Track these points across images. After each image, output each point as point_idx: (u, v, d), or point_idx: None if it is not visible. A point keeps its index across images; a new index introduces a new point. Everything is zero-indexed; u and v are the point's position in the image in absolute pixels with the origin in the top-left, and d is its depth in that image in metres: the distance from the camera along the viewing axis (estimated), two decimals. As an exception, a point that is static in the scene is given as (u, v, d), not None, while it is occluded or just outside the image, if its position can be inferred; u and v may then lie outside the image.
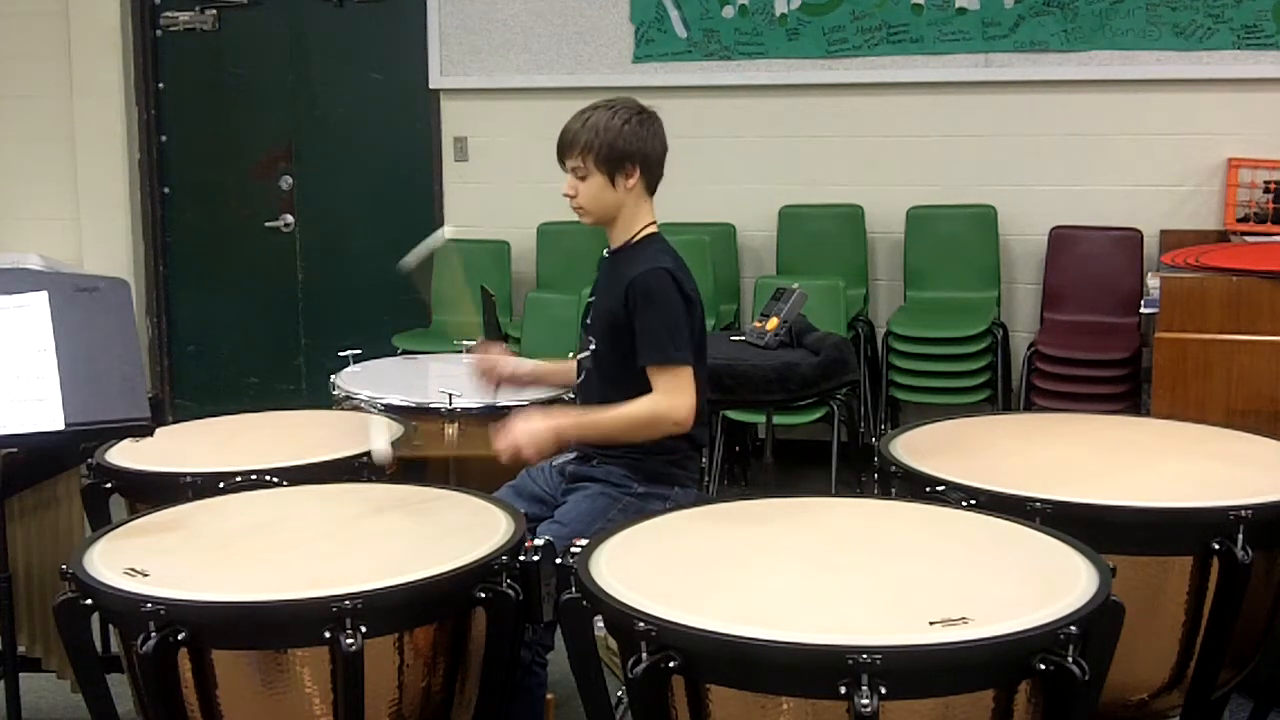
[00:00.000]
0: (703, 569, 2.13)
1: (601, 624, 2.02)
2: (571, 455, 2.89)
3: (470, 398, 3.30)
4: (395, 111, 6.11)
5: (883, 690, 1.74)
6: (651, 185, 2.84)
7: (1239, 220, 4.99)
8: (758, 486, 5.20)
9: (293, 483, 2.72)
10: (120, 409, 2.46)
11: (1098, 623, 1.89)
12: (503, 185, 5.91)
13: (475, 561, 2.19)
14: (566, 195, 2.81)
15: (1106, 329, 5.11)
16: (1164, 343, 3.58)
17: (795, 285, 3.84)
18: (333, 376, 3.65)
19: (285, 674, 2.06)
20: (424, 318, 5.89)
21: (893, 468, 2.60)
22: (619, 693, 2.43)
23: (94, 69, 6.25)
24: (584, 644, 2.07)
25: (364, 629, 2.02)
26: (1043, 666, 1.82)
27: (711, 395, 3.54)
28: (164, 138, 6.42)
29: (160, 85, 6.39)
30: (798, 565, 2.12)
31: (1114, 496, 2.36)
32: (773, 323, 3.72)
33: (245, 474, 2.72)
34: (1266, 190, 4.97)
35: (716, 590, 2.02)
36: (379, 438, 2.83)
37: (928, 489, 2.46)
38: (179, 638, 2.02)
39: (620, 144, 2.76)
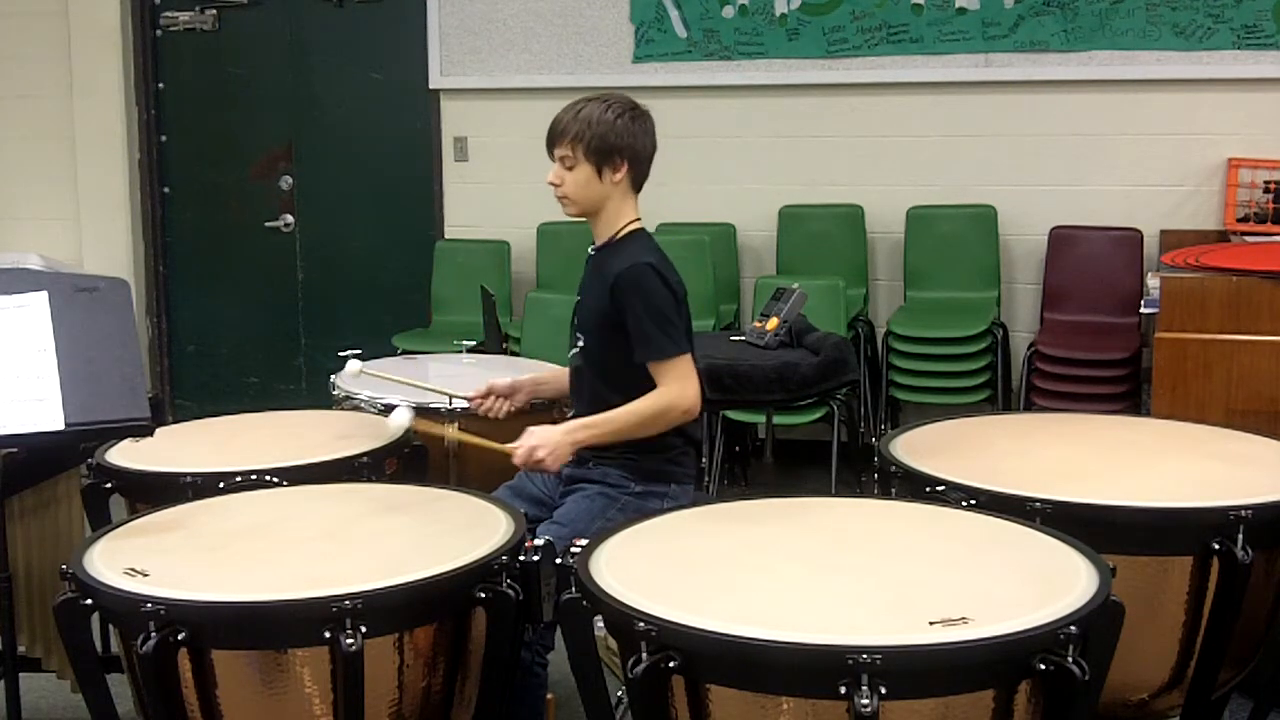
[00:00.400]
0: (703, 569, 2.13)
1: (601, 624, 2.02)
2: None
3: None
4: (395, 111, 6.11)
5: (883, 690, 1.74)
6: (638, 182, 2.86)
7: (1239, 220, 4.99)
8: (758, 486, 5.20)
9: (293, 483, 2.72)
10: (120, 409, 2.46)
11: (1098, 623, 1.89)
12: (503, 185, 5.91)
13: (475, 561, 2.19)
14: (551, 183, 2.83)
15: (1106, 329, 5.11)
16: (1164, 343, 3.59)
17: (795, 285, 3.84)
18: (333, 376, 3.65)
19: (285, 674, 2.06)
20: (424, 318, 5.90)
21: (893, 468, 2.60)
22: (619, 693, 2.43)
23: (94, 69, 6.25)
24: (584, 644, 2.07)
25: (364, 629, 2.02)
26: (1043, 666, 1.82)
27: (711, 395, 3.54)
28: (164, 138, 6.42)
29: (160, 85, 6.39)
30: (798, 565, 2.12)
31: (1114, 496, 2.36)
32: (773, 323, 3.72)
33: (245, 474, 2.72)
34: (1266, 190, 4.97)
35: (716, 590, 2.02)
36: (401, 413, 2.86)
37: (928, 489, 2.46)
38: (179, 638, 2.02)
39: (611, 137, 2.78)
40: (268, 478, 2.72)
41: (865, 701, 1.72)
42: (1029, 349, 5.13)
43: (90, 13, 6.22)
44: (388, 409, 3.29)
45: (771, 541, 2.24)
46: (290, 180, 6.29)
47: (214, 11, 6.25)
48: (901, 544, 2.22)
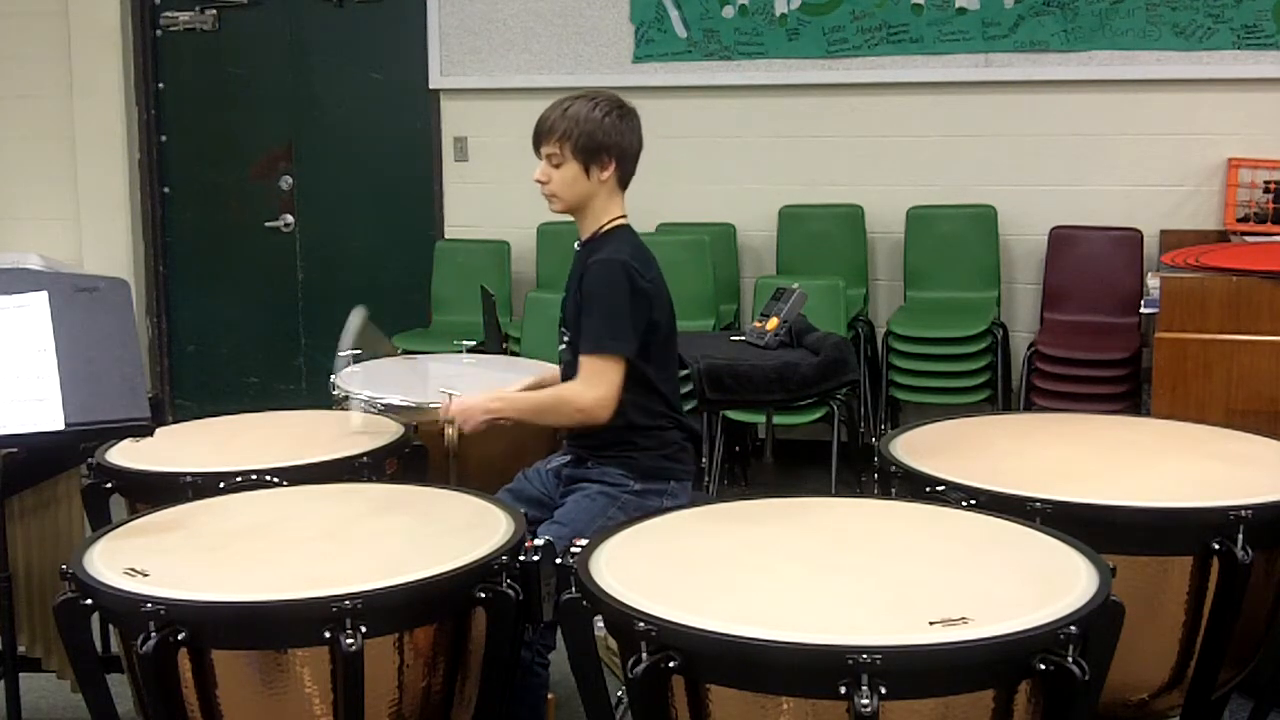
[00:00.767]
0: (703, 569, 2.13)
1: (601, 624, 2.02)
2: (566, 458, 2.89)
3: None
4: (395, 111, 6.11)
5: (883, 690, 1.74)
6: (624, 180, 2.86)
7: (1239, 220, 4.99)
8: (758, 486, 5.20)
9: (293, 483, 2.72)
10: (120, 409, 2.46)
11: (1098, 623, 1.89)
12: (503, 185, 5.90)
13: (475, 561, 2.19)
14: (539, 181, 2.84)
15: (1106, 329, 5.11)
16: (1164, 343, 3.59)
17: (795, 285, 3.84)
18: (333, 376, 3.65)
19: (285, 674, 2.06)
20: (424, 318, 5.90)
21: (893, 468, 2.60)
22: (619, 693, 2.43)
23: (94, 69, 6.25)
24: (584, 644, 2.07)
25: (364, 629, 2.02)
26: (1043, 666, 1.82)
27: (711, 395, 3.54)
28: (164, 138, 6.42)
29: (160, 85, 6.39)
30: (798, 565, 2.12)
31: (1114, 496, 2.36)
32: (773, 323, 3.72)
33: (245, 474, 2.72)
34: (1266, 190, 4.97)
35: (716, 590, 2.02)
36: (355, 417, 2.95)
37: (928, 489, 2.46)
38: (179, 638, 2.02)
39: (600, 135, 2.79)
40: (268, 478, 2.72)
41: (865, 701, 1.72)
42: (1029, 349, 5.13)
43: (90, 13, 6.22)
44: (388, 409, 3.29)
45: (771, 541, 2.24)
46: (290, 180, 6.29)
47: (214, 11, 6.25)
48: (901, 544, 2.22)
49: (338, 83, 6.17)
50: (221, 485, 2.68)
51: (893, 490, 2.59)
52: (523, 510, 2.59)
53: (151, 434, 2.55)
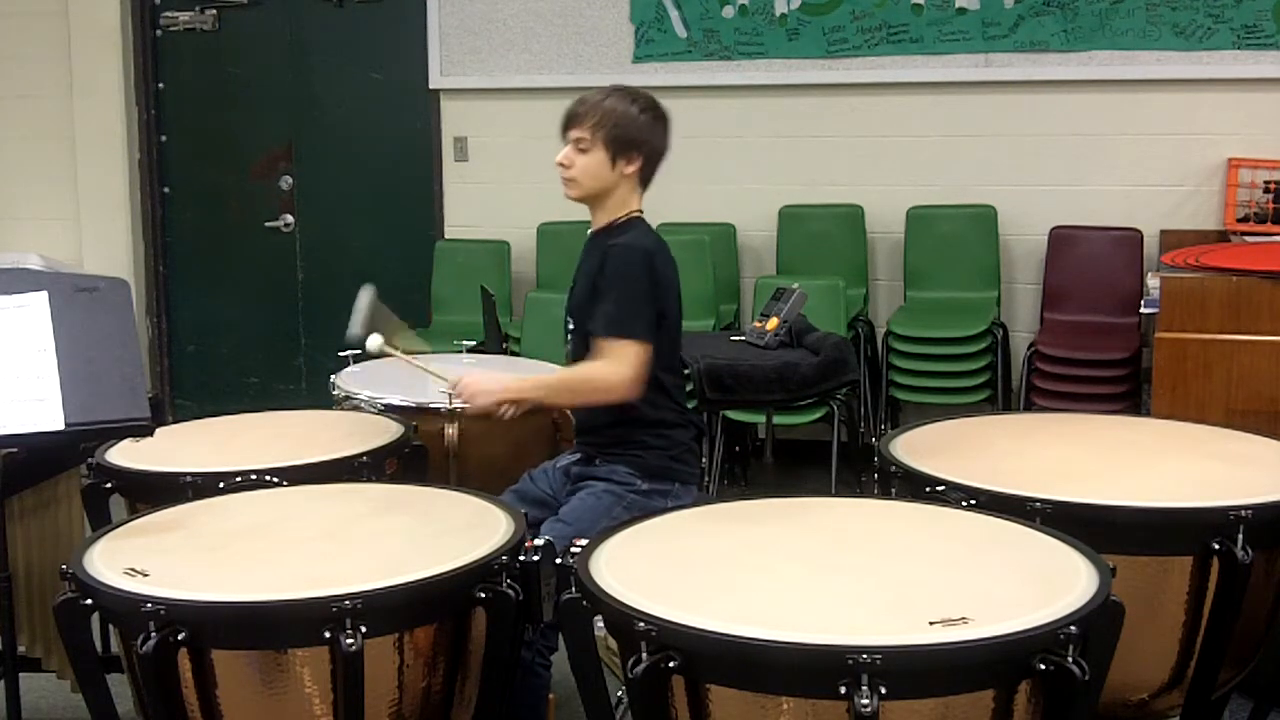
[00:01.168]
0: (703, 569, 2.13)
1: (601, 624, 2.02)
2: (575, 456, 2.89)
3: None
4: (395, 111, 6.11)
5: (883, 690, 1.74)
6: (647, 179, 2.86)
7: (1239, 220, 4.99)
8: (758, 486, 5.20)
9: (293, 483, 2.72)
10: (120, 409, 2.46)
11: (1098, 623, 1.89)
12: (503, 185, 5.91)
13: (475, 561, 2.19)
14: (561, 164, 2.82)
15: (1106, 329, 5.11)
16: (1164, 343, 3.59)
17: (795, 285, 3.84)
18: (333, 376, 3.65)
19: (285, 674, 2.06)
20: (424, 318, 5.90)
21: (893, 468, 2.60)
22: (619, 693, 2.43)
23: (94, 69, 6.25)
24: (584, 644, 2.07)
25: (364, 629, 2.02)
26: (1043, 666, 1.82)
27: (711, 395, 3.55)
28: (164, 138, 6.42)
29: (160, 85, 6.39)
30: (798, 565, 2.12)
31: (1114, 496, 2.36)
32: (773, 323, 3.73)
33: (245, 474, 2.72)
34: (1266, 190, 4.97)
35: (716, 590, 2.02)
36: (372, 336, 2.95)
37: (928, 489, 2.46)
38: (179, 638, 2.02)
39: (633, 130, 2.79)
40: (268, 478, 2.72)
41: (865, 701, 1.72)
42: (1029, 349, 5.13)
43: (90, 13, 6.22)
44: (388, 409, 3.29)
45: (771, 541, 2.24)
46: (290, 180, 6.29)
47: (214, 11, 6.25)
48: (901, 544, 2.22)
49: (338, 83, 6.17)
50: (221, 485, 2.68)
51: (893, 490, 2.59)
52: (527, 511, 2.59)
53: (151, 434, 2.55)
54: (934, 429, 2.90)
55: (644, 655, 1.86)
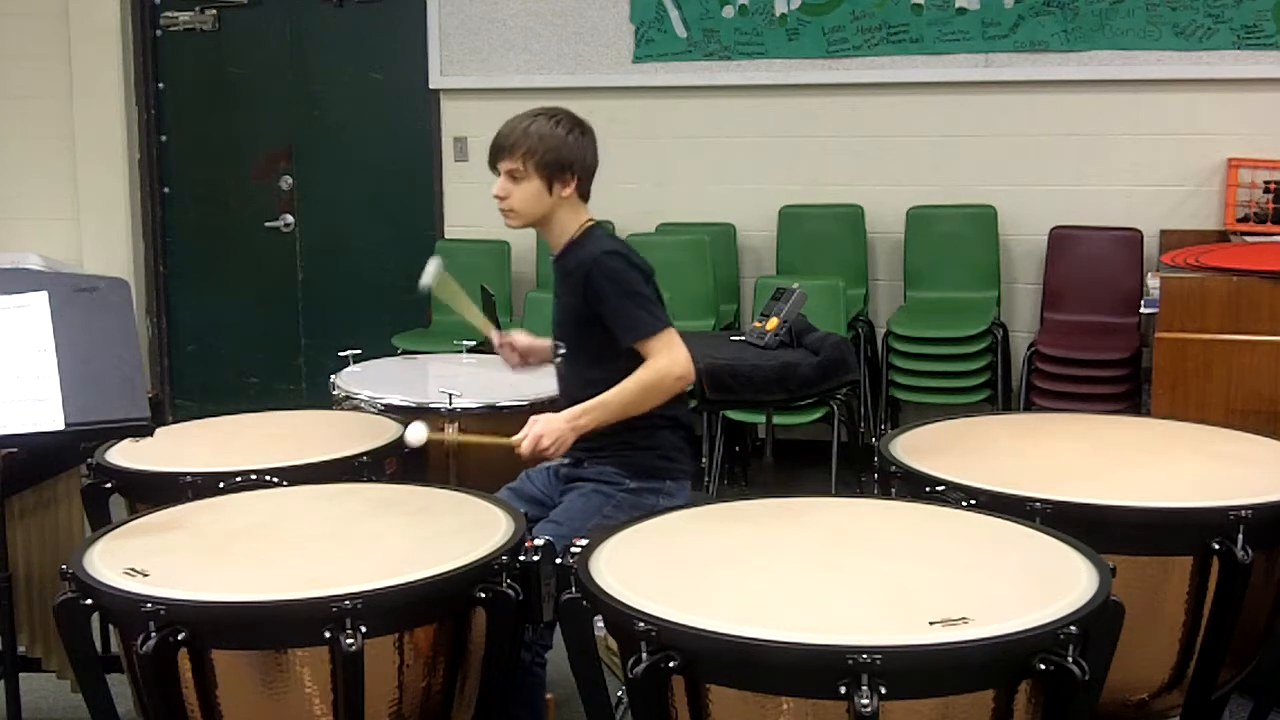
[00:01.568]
0: (703, 569, 2.13)
1: (601, 624, 2.02)
2: (565, 460, 2.88)
3: (470, 398, 3.30)
4: (395, 111, 6.11)
5: (883, 690, 1.74)
6: (585, 194, 2.88)
7: (1239, 220, 4.99)
8: (758, 486, 5.20)
9: (293, 483, 2.72)
10: (120, 409, 2.46)
11: (1098, 623, 1.89)
12: (503, 185, 5.90)
13: (475, 561, 2.19)
14: (497, 196, 2.84)
15: (1106, 329, 5.11)
16: (1164, 343, 3.59)
17: (795, 285, 3.84)
18: (333, 376, 3.65)
19: (285, 674, 2.06)
20: (424, 318, 5.90)
21: (893, 468, 2.60)
22: (619, 693, 2.43)
23: (94, 69, 6.25)
24: (584, 644, 2.07)
25: (364, 629, 2.02)
26: (1043, 666, 1.82)
27: (711, 395, 3.54)
28: (164, 138, 6.42)
29: (160, 85, 6.39)
30: (798, 565, 2.12)
31: (1114, 496, 2.36)
32: (773, 323, 3.72)
33: (245, 474, 2.73)
34: (1266, 190, 4.97)
35: (716, 590, 2.02)
36: (418, 426, 2.84)
37: (928, 489, 2.46)
38: (179, 638, 2.02)
39: (564, 151, 2.80)
40: (268, 478, 2.72)
41: (865, 701, 1.72)
42: (1029, 349, 5.13)
43: (90, 13, 6.22)
44: (388, 409, 3.29)
45: (771, 541, 2.24)
46: (290, 180, 6.29)
47: (214, 11, 6.25)
48: (901, 544, 2.22)
49: (338, 83, 6.17)
50: (221, 485, 2.68)
51: (893, 490, 2.59)
52: (522, 509, 2.59)
53: (151, 434, 2.55)
54: (934, 429, 2.90)
55: (644, 655, 1.86)
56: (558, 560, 2.25)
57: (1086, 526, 2.22)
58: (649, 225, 5.45)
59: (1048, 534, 2.20)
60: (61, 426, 2.42)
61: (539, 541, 2.28)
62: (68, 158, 6.35)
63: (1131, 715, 2.44)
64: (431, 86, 5.97)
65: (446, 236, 6.05)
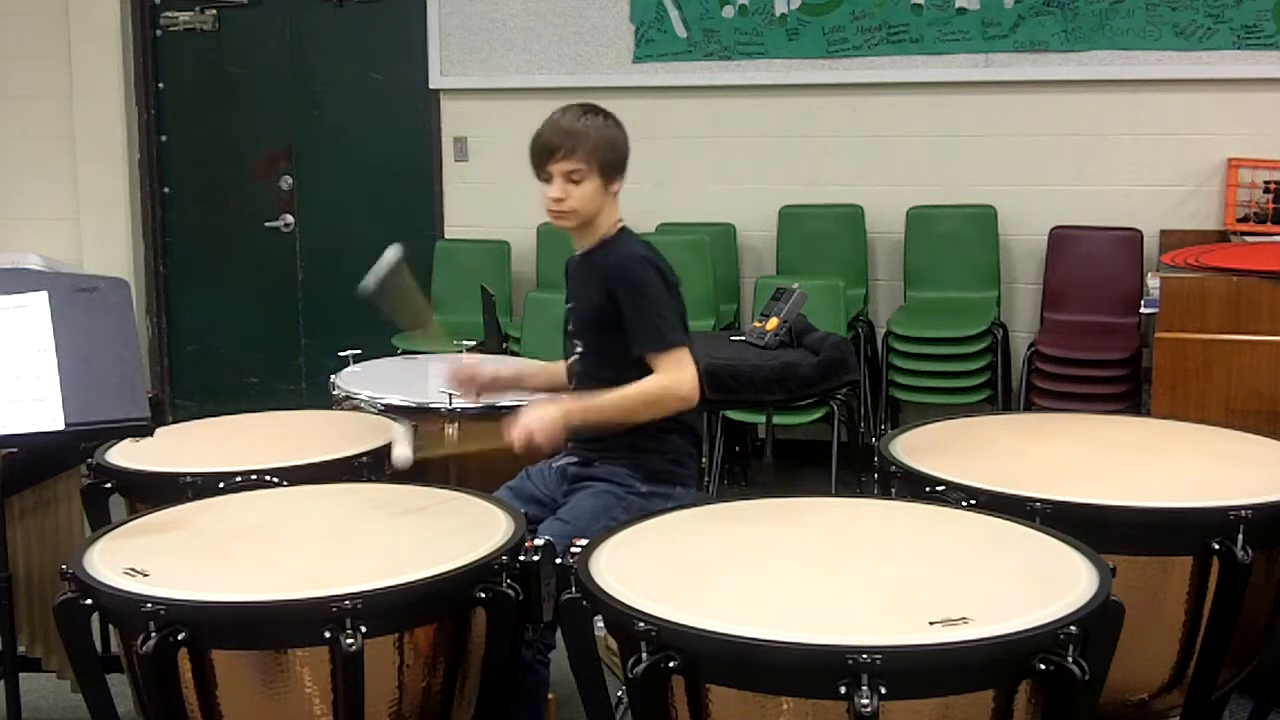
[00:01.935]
0: (703, 569, 2.13)
1: (601, 624, 2.02)
2: (572, 457, 2.88)
3: (470, 398, 3.29)
4: (395, 111, 6.11)
5: (883, 690, 1.74)
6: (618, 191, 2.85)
7: (1239, 220, 4.99)
8: (758, 486, 5.20)
9: (293, 483, 2.72)
10: (120, 409, 2.46)
11: (1098, 623, 1.89)
12: (503, 185, 5.90)
13: (475, 561, 2.19)
14: (556, 198, 2.75)
15: (1106, 329, 5.11)
16: (1164, 343, 3.59)
17: (795, 285, 3.84)
18: (333, 376, 3.65)
19: (285, 674, 2.06)
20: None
21: (893, 468, 2.60)
22: (619, 693, 2.43)
23: (94, 69, 6.25)
24: (584, 644, 2.07)
25: (364, 629, 2.02)
26: (1043, 666, 1.82)
27: (711, 395, 3.53)
28: (164, 138, 6.42)
29: (160, 85, 6.39)
30: (798, 565, 2.12)
31: (1114, 496, 2.36)
32: (773, 323, 3.72)
33: (245, 474, 2.72)
34: (1266, 190, 4.97)
35: (716, 590, 2.02)
36: (402, 443, 2.82)
37: (928, 489, 2.46)
38: (179, 638, 2.02)
39: (620, 149, 2.79)
40: (268, 478, 2.72)
41: (865, 701, 1.72)
42: (1029, 349, 5.13)
43: (90, 13, 6.22)
44: (388, 409, 3.29)
45: (771, 541, 2.24)
46: (290, 180, 6.29)
47: (214, 11, 6.25)
48: (901, 544, 2.22)
49: (338, 83, 6.17)
50: (221, 485, 2.68)
51: (893, 490, 2.59)
52: (522, 509, 2.59)
53: (151, 434, 2.55)
54: (934, 429, 2.90)
55: (644, 655, 1.86)
56: (558, 560, 2.25)
57: (1086, 526, 2.22)
58: (649, 225, 5.45)
59: (1048, 534, 2.20)
60: (61, 426, 2.42)
61: (539, 541, 2.28)
62: (68, 158, 6.35)
63: (1131, 715, 2.44)
64: (431, 86, 5.97)
65: (446, 236, 6.05)
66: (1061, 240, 5.31)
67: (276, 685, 2.07)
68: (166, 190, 6.45)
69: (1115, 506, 2.33)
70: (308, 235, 6.31)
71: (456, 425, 3.18)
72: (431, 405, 3.24)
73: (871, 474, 2.78)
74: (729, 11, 5.55)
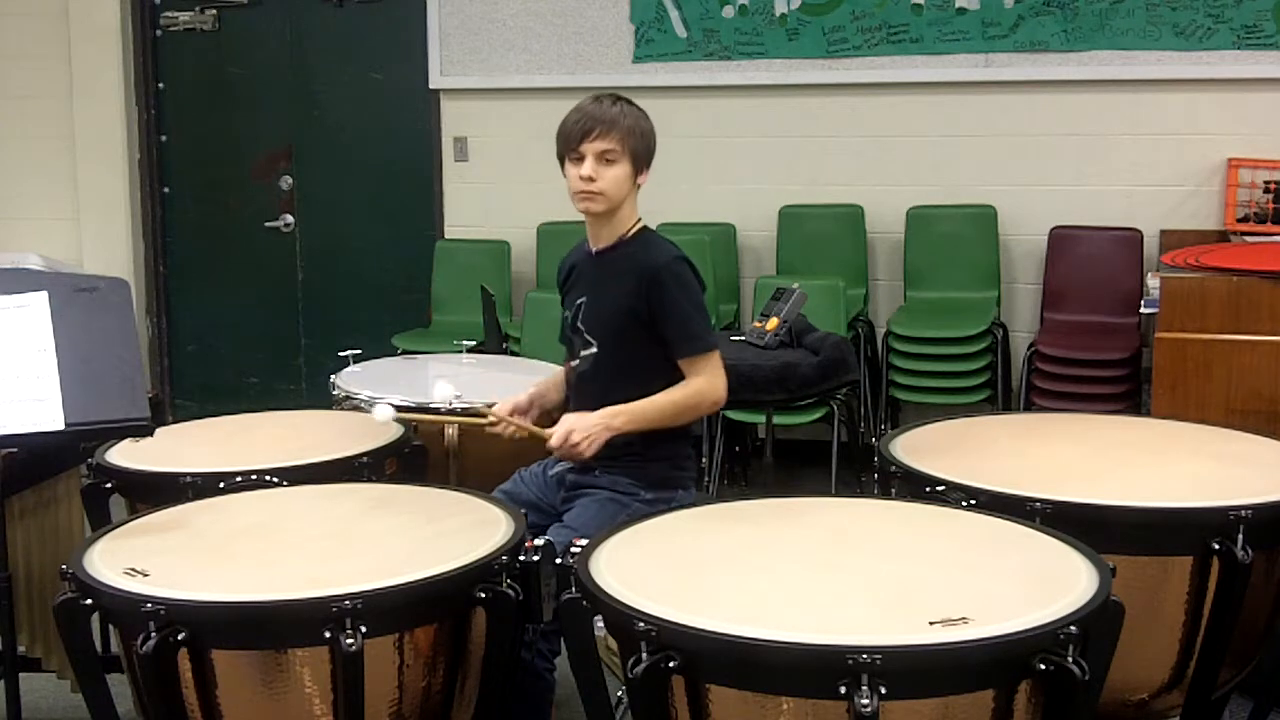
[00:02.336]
0: (703, 569, 2.13)
1: (601, 624, 2.02)
2: (568, 465, 2.85)
3: (470, 397, 3.29)
4: (395, 111, 6.11)
5: (883, 690, 1.74)
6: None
7: (1239, 220, 4.99)
8: (758, 486, 5.20)
9: (293, 483, 2.72)
10: (120, 409, 2.47)
11: (1098, 623, 1.90)
12: (503, 185, 5.91)
13: (475, 561, 2.19)
14: (587, 178, 2.69)
15: (1106, 329, 5.11)
16: (1164, 343, 3.59)
17: (795, 285, 3.84)
18: (333, 376, 3.65)
19: (285, 674, 2.06)
20: (424, 318, 5.90)
21: (893, 468, 2.60)
22: (619, 693, 2.43)
23: (94, 69, 6.25)
24: (584, 644, 2.07)
25: (364, 629, 2.02)
26: (1043, 666, 1.82)
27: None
28: (164, 138, 6.42)
29: (160, 85, 6.39)
30: (798, 565, 2.12)
31: (1114, 496, 2.36)
32: (773, 323, 3.72)
33: (245, 474, 2.72)
34: (1266, 190, 4.97)
35: (716, 590, 2.02)
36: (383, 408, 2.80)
37: (928, 489, 2.46)
38: (179, 638, 2.02)
39: (651, 140, 2.77)
40: (268, 478, 2.72)
41: (865, 701, 1.72)
42: (1029, 349, 5.13)
43: (90, 13, 6.22)
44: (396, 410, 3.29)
45: (771, 541, 2.24)
46: (290, 180, 6.29)
47: (214, 11, 6.25)
48: (901, 544, 2.22)
49: (338, 83, 6.17)
50: (221, 485, 2.68)
51: (893, 490, 2.59)
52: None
53: (151, 434, 2.55)
54: (934, 429, 2.90)
55: (644, 655, 1.86)
56: (558, 560, 2.25)
57: (1086, 526, 2.22)
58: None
59: (1048, 534, 2.20)
60: (61, 426, 2.42)
61: (539, 541, 2.28)
62: (68, 158, 6.35)
63: (1131, 715, 2.45)
64: (431, 86, 5.97)
65: (446, 236, 6.05)
66: (1061, 240, 5.31)
67: (276, 685, 2.07)
68: (166, 190, 6.45)
69: (1115, 506, 2.33)
70: (308, 235, 6.31)
71: (456, 425, 3.17)
72: (432, 405, 3.24)
73: (871, 474, 2.78)
74: (729, 11, 5.55)
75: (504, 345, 4.98)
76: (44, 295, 2.53)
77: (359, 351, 3.86)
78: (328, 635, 2.01)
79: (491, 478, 2.96)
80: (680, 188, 5.56)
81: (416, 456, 3.05)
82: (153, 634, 2.00)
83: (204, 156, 6.39)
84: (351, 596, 2.02)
